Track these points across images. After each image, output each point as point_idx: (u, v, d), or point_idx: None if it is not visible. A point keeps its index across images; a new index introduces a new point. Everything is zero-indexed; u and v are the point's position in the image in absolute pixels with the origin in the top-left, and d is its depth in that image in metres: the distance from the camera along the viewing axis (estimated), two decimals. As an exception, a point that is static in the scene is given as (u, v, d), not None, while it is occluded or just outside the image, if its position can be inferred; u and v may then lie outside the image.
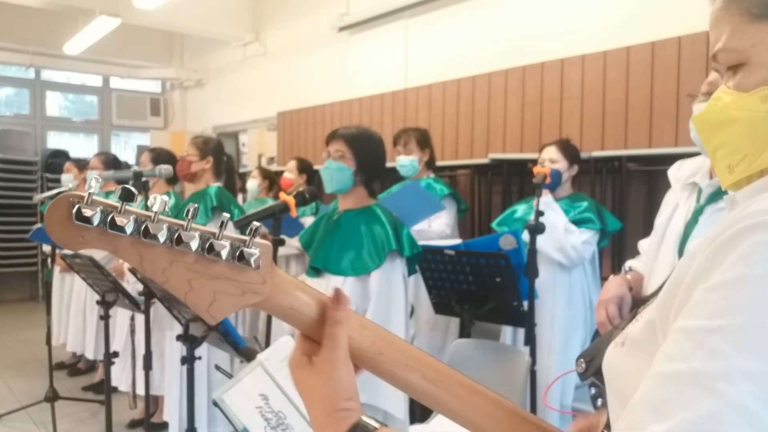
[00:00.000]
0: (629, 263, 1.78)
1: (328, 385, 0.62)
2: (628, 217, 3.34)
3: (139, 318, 2.92)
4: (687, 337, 0.48)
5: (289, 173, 4.35)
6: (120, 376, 3.60)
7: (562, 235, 2.68)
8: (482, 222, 4.11)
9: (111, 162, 4.34)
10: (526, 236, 2.47)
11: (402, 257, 2.12)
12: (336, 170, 2.11)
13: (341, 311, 0.63)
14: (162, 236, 0.54)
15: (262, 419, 1.16)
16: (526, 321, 2.50)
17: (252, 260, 0.57)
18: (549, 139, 3.15)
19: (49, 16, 6.69)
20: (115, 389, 3.38)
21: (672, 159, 1.86)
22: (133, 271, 2.94)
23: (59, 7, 5.89)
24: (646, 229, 2.67)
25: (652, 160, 3.29)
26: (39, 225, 4.22)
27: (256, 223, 0.58)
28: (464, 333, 2.64)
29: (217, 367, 1.77)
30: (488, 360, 2.37)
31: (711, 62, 0.67)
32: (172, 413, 3.05)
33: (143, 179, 2.63)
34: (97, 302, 3.02)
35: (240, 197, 4.89)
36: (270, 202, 3.46)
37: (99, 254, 2.91)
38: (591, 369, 0.97)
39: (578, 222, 2.75)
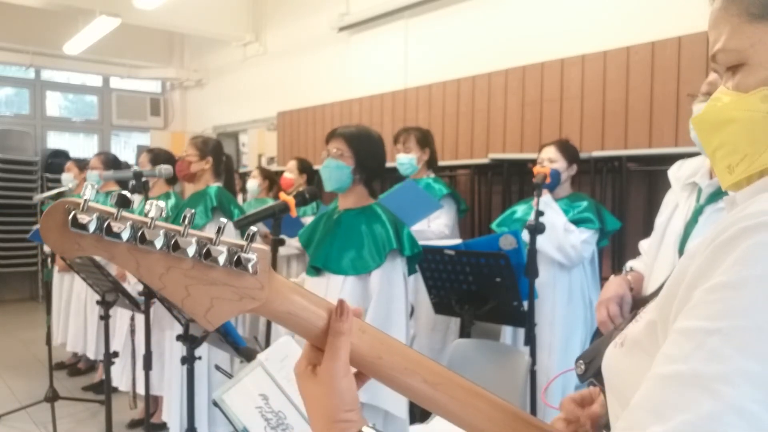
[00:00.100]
0: (630, 263, 1.78)
1: (328, 396, 0.62)
2: (628, 217, 3.34)
3: (139, 318, 2.92)
4: (687, 338, 0.48)
5: (290, 173, 4.35)
6: (120, 376, 3.61)
7: (561, 235, 2.68)
8: (482, 222, 4.11)
9: (111, 162, 4.34)
10: (525, 236, 2.47)
11: (402, 257, 2.12)
12: (335, 168, 2.11)
13: (345, 322, 0.63)
14: (159, 242, 0.54)
15: (262, 419, 1.16)
16: (526, 321, 2.50)
17: (249, 266, 0.57)
18: (549, 139, 3.15)
19: (49, 16, 6.69)
20: (115, 389, 3.38)
21: (672, 159, 1.86)
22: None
23: (59, 7, 5.89)
24: (646, 229, 2.67)
25: (652, 160, 3.29)
26: (39, 225, 4.21)
27: (253, 229, 0.58)
28: (464, 333, 2.64)
29: (217, 367, 1.77)
30: (488, 360, 2.37)
31: (710, 63, 0.67)
32: (172, 413, 3.05)
33: (143, 179, 2.63)
34: (97, 302, 3.02)
35: (240, 197, 4.89)
36: (270, 202, 3.46)
37: (99, 255, 2.90)
38: (590, 370, 0.96)
39: (578, 222, 2.75)
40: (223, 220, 0.58)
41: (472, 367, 2.32)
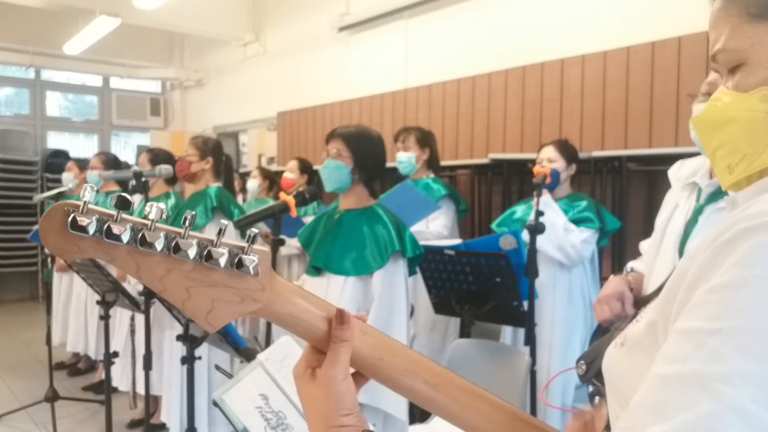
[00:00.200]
0: (630, 264, 1.78)
1: (327, 400, 0.62)
2: (628, 217, 3.34)
3: (139, 318, 2.92)
4: (687, 339, 0.48)
5: (291, 173, 4.35)
6: (120, 376, 3.61)
7: (561, 234, 2.68)
8: (482, 222, 4.11)
9: (111, 162, 4.34)
10: (525, 236, 2.47)
11: (404, 258, 2.12)
12: (333, 168, 2.11)
13: (347, 330, 0.63)
14: (159, 244, 0.54)
15: (262, 419, 1.16)
16: (526, 321, 2.50)
17: (251, 267, 0.57)
18: (549, 139, 3.15)
19: (49, 16, 6.69)
20: (115, 389, 3.38)
21: (672, 159, 1.86)
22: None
23: (59, 7, 5.89)
24: (646, 229, 2.67)
25: (652, 160, 3.29)
26: (38, 227, 4.21)
27: (254, 230, 0.57)
28: (464, 333, 2.64)
29: (217, 367, 1.77)
30: (488, 360, 2.37)
31: (710, 62, 0.67)
32: (172, 413, 3.05)
33: (143, 179, 2.63)
34: (97, 302, 3.02)
35: (240, 197, 4.89)
36: (270, 202, 3.46)
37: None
38: (592, 370, 0.96)
39: (577, 221, 2.75)
40: (225, 221, 0.58)
41: (472, 367, 2.32)
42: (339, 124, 3.13)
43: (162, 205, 0.54)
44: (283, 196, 2.10)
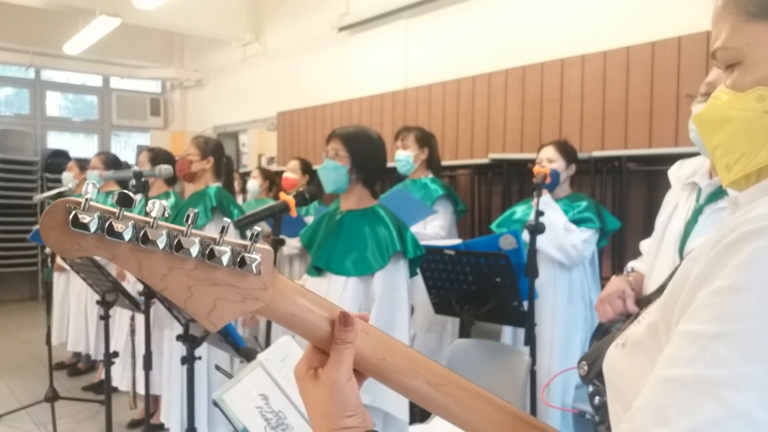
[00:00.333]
0: (631, 264, 1.78)
1: (330, 402, 0.61)
2: (628, 217, 3.34)
3: (139, 318, 2.92)
4: (690, 342, 0.48)
5: (292, 173, 4.35)
6: (120, 376, 3.61)
7: (561, 234, 2.68)
8: (482, 222, 4.11)
9: (111, 162, 4.34)
10: (525, 236, 2.47)
11: (405, 259, 2.12)
12: (332, 169, 2.10)
13: (350, 332, 0.63)
14: (161, 242, 0.53)
15: (262, 419, 1.16)
16: (526, 321, 2.50)
17: (254, 266, 0.56)
18: (549, 139, 3.15)
19: (49, 16, 6.68)
20: (115, 389, 3.38)
21: (672, 159, 1.86)
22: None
23: (59, 7, 5.88)
24: (646, 229, 2.67)
25: (652, 160, 3.29)
26: (39, 224, 4.22)
27: (257, 228, 0.57)
28: (464, 333, 2.64)
29: (217, 367, 1.77)
30: (488, 360, 2.37)
31: (711, 59, 0.68)
32: (172, 413, 3.05)
33: (143, 179, 2.62)
34: (97, 302, 3.02)
35: (240, 197, 4.89)
36: (270, 202, 3.46)
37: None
38: (593, 371, 0.97)
39: (578, 221, 2.75)
40: (226, 219, 0.58)
41: (472, 367, 2.32)
42: (339, 124, 3.13)
43: (164, 202, 0.54)
44: (283, 196, 2.09)
